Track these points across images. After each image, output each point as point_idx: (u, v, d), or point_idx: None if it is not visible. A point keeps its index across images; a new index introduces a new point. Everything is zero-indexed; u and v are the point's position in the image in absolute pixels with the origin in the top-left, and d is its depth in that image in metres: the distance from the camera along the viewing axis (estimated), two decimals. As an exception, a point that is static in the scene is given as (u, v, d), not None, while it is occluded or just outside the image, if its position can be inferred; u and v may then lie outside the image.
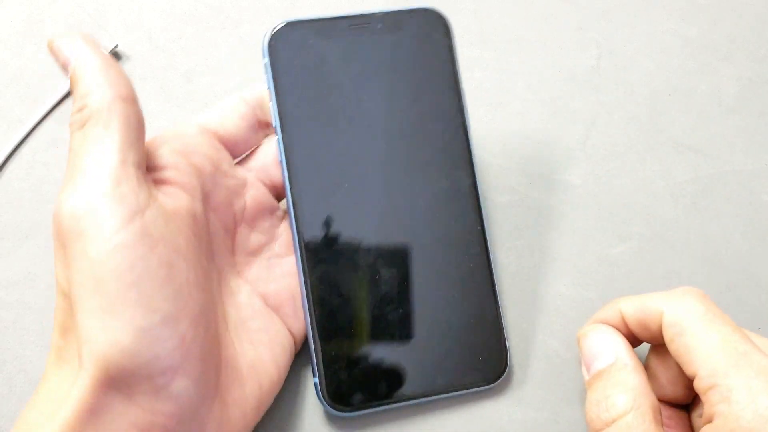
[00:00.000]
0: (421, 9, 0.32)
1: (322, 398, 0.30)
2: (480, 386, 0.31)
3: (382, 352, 0.31)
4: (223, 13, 0.40)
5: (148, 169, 0.28)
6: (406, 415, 0.32)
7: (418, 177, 0.32)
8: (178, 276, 0.25)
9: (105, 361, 0.23)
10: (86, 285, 0.24)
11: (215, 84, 0.38)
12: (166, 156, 0.28)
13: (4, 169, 0.37)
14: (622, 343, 0.28)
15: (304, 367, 0.33)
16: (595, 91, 0.39)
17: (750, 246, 0.36)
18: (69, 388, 0.24)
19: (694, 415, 0.29)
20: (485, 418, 0.32)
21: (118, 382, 0.24)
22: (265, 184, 0.32)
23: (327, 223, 0.31)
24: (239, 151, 0.32)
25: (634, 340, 0.29)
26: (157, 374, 0.24)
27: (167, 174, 0.28)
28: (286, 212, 0.33)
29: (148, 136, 0.33)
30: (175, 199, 0.27)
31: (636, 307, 0.28)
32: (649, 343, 0.29)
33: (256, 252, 0.32)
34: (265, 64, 0.31)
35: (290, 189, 0.31)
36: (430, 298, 0.31)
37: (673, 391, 0.29)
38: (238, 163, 0.32)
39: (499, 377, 0.31)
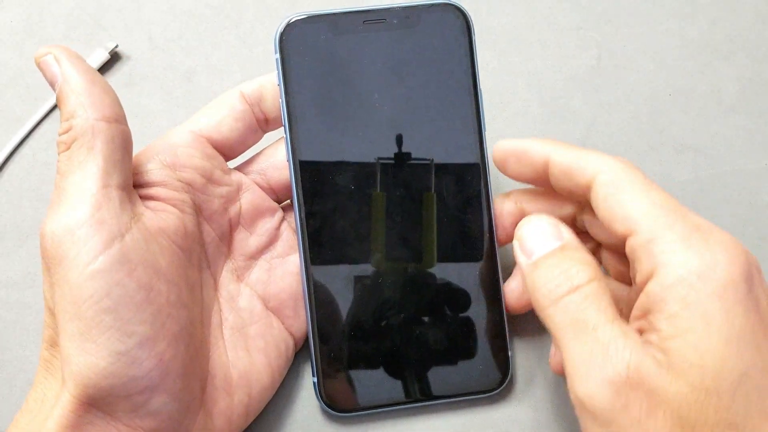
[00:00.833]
0: (440, 4, 0.31)
1: (320, 398, 0.30)
2: (480, 393, 0.31)
3: (382, 355, 0.31)
4: (223, 13, 0.40)
5: (136, 185, 0.28)
6: (404, 418, 0.32)
7: (430, 180, 0.31)
8: (157, 298, 0.26)
9: (83, 382, 0.24)
10: (66, 309, 0.25)
11: (215, 84, 0.38)
12: (155, 172, 0.28)
13: (4, 169, 0.37)
14: (568, 229, 0.28)
15: (304, 366, 0.33)
16: (595, 91, 0.39)
17: (750, 246, 0.36)
18: (53, 403, 0.25)
19: None
20: (484, 424, 0.32)
21: (97, 401, 0.25)
22: (262, 187, 0.32)
23: (332, 225, 0.31)
24: (236, 153, 0.31)
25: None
26: (135, 393, 0.25)
27: (156, 191, 0.28)
28: (288, 212, 0.33)
29: (148, 136, 0.33)
30: (162, 216, 0.28)
31: (569, 158, 0.28)
32: (557, 195, 0.30)
33: (256, 255, 0.32)
34: (276, 60, 0.30)
35: (296, 189, 0.30)
36: (434, 302, 0.31)
37: None
38: (237, 166, 0.32)
39: (500, 385, 0.31)
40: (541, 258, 0.27)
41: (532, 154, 0.30)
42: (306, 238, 0.31)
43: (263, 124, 0.31)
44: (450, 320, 0.31)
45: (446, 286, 0.31)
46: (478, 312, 0.31)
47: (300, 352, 0.32)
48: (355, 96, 0.31)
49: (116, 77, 0.38)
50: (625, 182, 0.27)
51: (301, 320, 0.32)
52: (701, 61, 0.40)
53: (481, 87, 0.31)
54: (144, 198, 0.28)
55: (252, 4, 0.40)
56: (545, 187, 0.31)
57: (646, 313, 0.25)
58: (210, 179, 0.30)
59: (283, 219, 0.32)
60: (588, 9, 0.41)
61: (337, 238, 0.31)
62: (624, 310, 0.30)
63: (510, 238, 0.31)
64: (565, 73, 0.39)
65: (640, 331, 0.26)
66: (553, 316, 0.26)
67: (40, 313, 0.34)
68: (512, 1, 0.41)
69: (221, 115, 0.30)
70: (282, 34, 0.30)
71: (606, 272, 0.32)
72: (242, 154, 0.32)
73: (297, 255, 0.31)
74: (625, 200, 0.26)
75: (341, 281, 0.31)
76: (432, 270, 0.31)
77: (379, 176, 0.31)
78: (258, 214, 0.32)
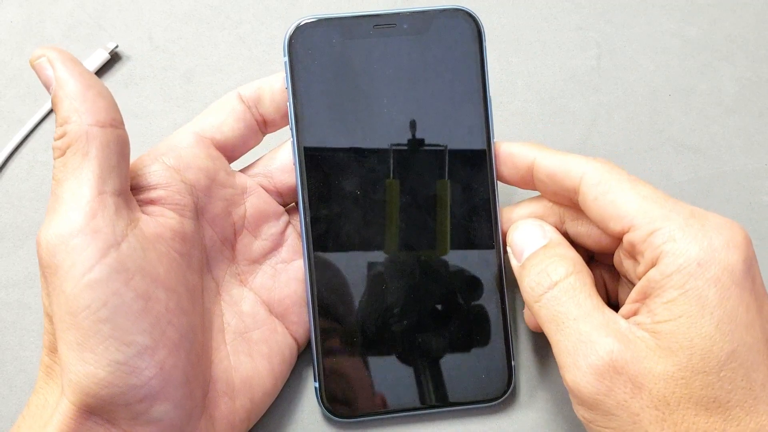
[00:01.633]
0: (450, 9, 0.31)
1: (321, 403, 0.30)
2: (482, 402, 0.31)
3: (385, 362, 0.31)
4: (223, 13, 0.40)
5: (138, 188, 0.28)
6: (405, 425, 0.32)
7: (435, 185, 0.31)
8: (155, 306, 0.25)
9: (82, 391, 0.24)
10: (63, 318, 0.24)
11: (215, 84, 0.38)
12: (157, 174, 0.28)
13: (4, 169, 0.37)
14: (553, 228, 0.30)
15: (306, 370, 0.33)
16: (595, 91, 0.39)
17: (750, 246, 0.36)
18: (54, 409, 0.25)
19: None
20: None
21: (97, 409, 0.25)
22: (268, 190, 0.31)
23: (338, 230, 0.30)
24: (238, 154, 0.31)
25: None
26: (135, 402, 0.25)
27: (157, 193, 0.28)
28: (293, 216, 0.32)
29: (148, 136, 0.33)
30: (160, 221, 0.27)
31: (555, 163, 0.29)
32: (547, 198, 0.31)
33: (260, 259, 0.31)
34: (285, 63, 0.30)
35: (302, 194, 0.30)
36: (438, 310, 0.31)
37: None
38: (241, 168, 0.32)
39: (502, 395, 0.31)
40: (527, 259, 0.29)
41: (517, 159, 0.30)
42: (311, 242, 0.30)
43: (262, 126, 0.31)
44: (453, 329, 0.31)
45: (454, 285, 0.31)
46: (481, 321, 0.31)
47: (302, 357, 0.32)
48: (363, 100, 0.30)
49: (116, 77, 0.38)
50: (612, 181, 0.28)
51: (305, 326, 0.31)
52: (701, 61, 0.40)
53: (491, 93, 0.31)
54: (143, 202, 0.28)
55: (252, 4, 0.40)
56: (532, 189, 0.31)
57: (644, 297, 0.26)
58: (214, 180, 0.30)
59: (288, 223, 0.32)
60: (588, 9, 0.41)
61: (341, 244, 0.31)
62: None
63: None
64: (565, 73, 0.39)
65: (634, 313, 0.27)
66: (539, 312, 0.28)
67: (40, 313, 0.34)
68: (512, 1, 0.41)
69: (222, 116, 0.30)
70: (291, 38, 0.30)
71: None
72: (245, 157, 0.32)
73: (302, 260, 0.31)
74: (616, 198, 0.27)
75: (344, 287, 0.31)
76: (438, 276, 0.31)
77: (385, 182, 0.31)
78: (263, 218, 0.31)
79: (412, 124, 0.31)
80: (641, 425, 0.24)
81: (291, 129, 0.30)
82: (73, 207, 0.25)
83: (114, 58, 0.39)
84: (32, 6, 0.40)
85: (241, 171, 0.32)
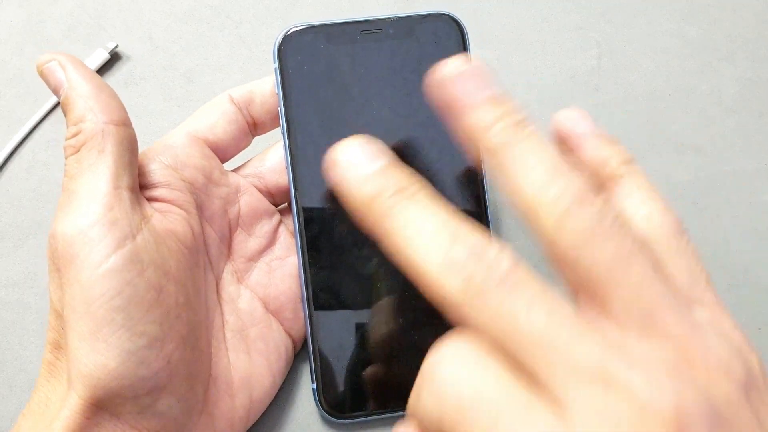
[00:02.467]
0: (435, 14, 0.32)
1: (319, 404, 0.30)
2: None
3: (382, 362, 0.31)
4: (223, 13, 0.40)
5: (141, 186, 0.28)
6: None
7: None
8: (166, 299, 0.26)
9: (92, 383, 0.25)
10: (77, 308, 0.25)
11: (215, 84, 0.38)
12: (157, 173, 0.29)
13: (4, 169, 0.37)
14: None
15: (303, 372, 0.33)
16: (595, 91, 0.39)
17: (750, 246, 0.36)
18: (59, 406, 0.25)
19: None
20: None
21: (105, 402, 0.25)
22: (260, 190, 0.32)
23: (330, 231, 0.31)
24: (230, 155, 0.32)
25: None
26: (143, 394, 0.25)
27: (159, 192, 0.28)
28: (285, 215, 0.33)
29: (148, 136, 0.33)
30: (169, 217, 0.28)
31: None
32: None
33: (255, 257, 0.32)
34: (275, 69, 0.31)
35: (295, 196, 0.31)
36: (433, 308, 0.31)
37: None
38: (232, 169, 0.32)
39: None
40: None
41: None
42: (305, 244, 0.31)
43: (252, 128, 0.32)
44: (451, 328, 0.31)
45: None
46: None
47: (299, 357, 0.32)
48: (352, 104, 0.31)
49: (116, 77, 0.39)
50: None
51: (300, 322, 0.32)
52: (701, 61, 0.40)
53: None
54: (149, 200, 0.28)
55: (252, 4, 0.40)
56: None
57: None
58: (210, 179, 0.30)
59: (280, 222, 0.32)
60: (588, 9, 0.41)
61: (335, 244, 0.31)
62: None
63: None
64: (565, 73, 0.39)
65: None
66: None
67: (40, 313, 0.34)
68: (512, 1, 0.41)
69: (214, 117, 0.31)
70: (281, 45, 0.31)
71: None
72: (236, 158, 0.32)
73: (296, 257, 0.32)
74: None
75: (340, 287, 0.31)
76: None
77: None
78: (256, 217, 0.32)
79: (399, 128, 0.31)
80: None
81: (282, 133, 0.31)
82: (90, 199, 0.25)
83: (114, 58, 0.39)
84: (32, 6, 0.40)
85: (233, 171, 0.32)
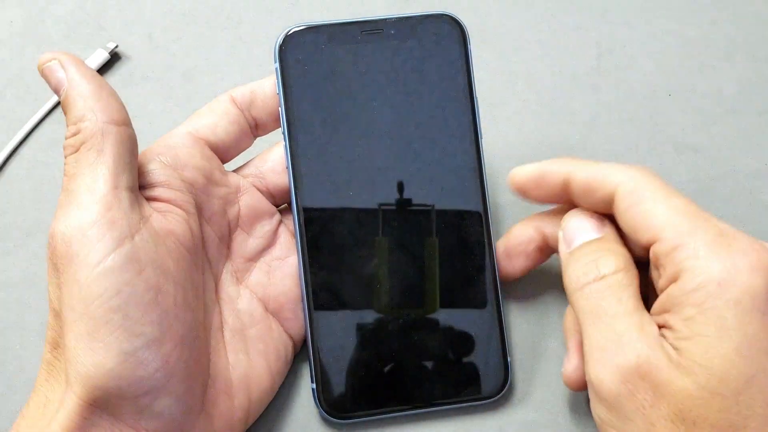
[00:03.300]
0: (436, 14, 0.32)
1: (318, 404, 0.30)
2: (479, 400, 0.31)
3: (382, 361, 0.31)
4: (223, 13, 0.40)
5: (141, 186, 0.28)
6: (404, 425, 0.32)
7: (425, 187, 0.31)
8: (164, 299, 0.26)
9: (90, 383, 0.24)
10: (75, 308, 0.25)
11: (215, 84, 0.38)
12: (157, 172, 0.29)
13: (4, 169, 0.37)
14: (612, 225, 0.29)
15: (303, 372, 0.33)
16: (595, 91, 0.39)
17: (750, 246, 0.36)
18: (57, 406, 0.25)
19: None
20: (482, 430, 0.32)
21: (103, 402, 0.25)
22: (260, 190, 0.32)
23: (331, 231, 0.31)
24: (231, 156, 0.32)
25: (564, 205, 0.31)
26: (141, 394, 0.25)
27: (159, 192, 0.28)
28: (285, 216, 0.33)
29: (148, 136, 0.33)
30: (168, 217, 0.28)
31: (589, 174, 0.29)
32: (584, 209, 0.30)
33: (255, 257, 0.32)
34: (276, 69, 0.31)
35: (295, 196, 0.31)
36: (433, 309, 0.31)
37: None
38: (233, 170, 0.32)
39: (498, 392, 0.31)
40: (577, 248, 0.29)
41: (550, 178, 0.30)
42: (305, 244, 0.31)
43: (254, 129, 0.32)
44: (450, 327, 0.31)
45: (447, 293, 0.31)
46: (476, 319, 0.31)
47: (299, 357, 0.32)
48: (353, 104, 0.31)
49: (116, 77, 0.39)
50: (646, 191, 0.27)
51: (300, 323, 0.32)
52: (701, 61, 0.40)
53: (477, 95, 0.32)
54: (149, 199, 0.28)
55: (252, 4, 0.40)
56: (568, 204, 0.31)
57: (664, 312, 0.26)
58: (210, 179, 0.30)
59: (280, 222, 0.32)
60: (588, 9, 0.41)
61: (335, 244, 0.31)
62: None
63: (526, 268, 0.32)
64: (565, 73, 0.39)
65: (660, 326, 0.26)
66: (578, 301, 0.28)
67: (40, 313, 0.34)
68: (512, 1, 0.41)
69: (216, 118, 0.31)
70: (282, 45, 0.31)
71: None
72: (237, 158, 0.32)
73: (296, 256, 0.31)
74: (647, 209, 0.27)
75: (340, 287, 0.31)
76: (433, 276, 0.31)
77: (377, 184, 0.31)
78: (256, 217, 0.32)
79: (398, 129, 0.31)
80: None
81: (283, 132, 0.31)
82: (89, 200, 0.25)
83: (114, 58, 0.39)
84: (32, 6, 0.40)
85: (233, 171, 0.32)
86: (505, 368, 0.31)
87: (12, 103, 0.38)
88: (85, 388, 0.25)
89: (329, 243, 0.31)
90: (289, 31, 0.31)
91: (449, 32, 0.31)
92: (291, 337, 0.32)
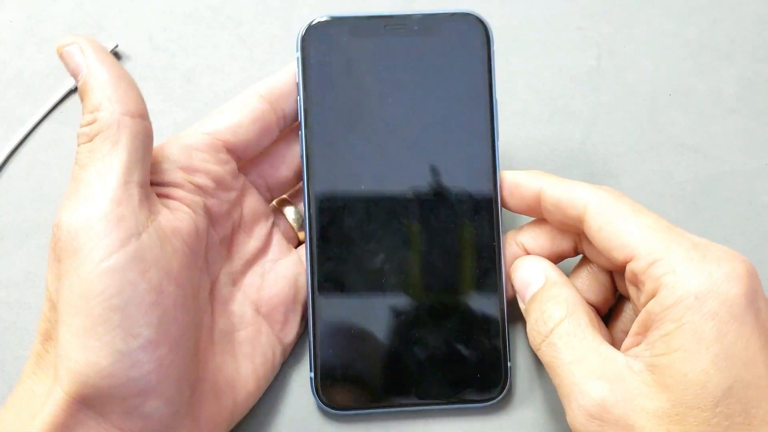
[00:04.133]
0: (461, 13, 0.32)
1: (315, 394, 0.30)
2: (477, 402, 0.31)
3: (382, 356, 0.31)
4: (223, 13, 0.40)
5: (152, 183, 0.28)
6: (400, 421, 0.32)
7: (438, 186, 0.31)
8: (165, 301, 0.25)
9: (81, 380, 0.24)
10: (73, 302, 0.24)
11: (215, 84, 0.38)
12: (170, 173, 0.28)
13: (4, 169, 0.37)
14: (550, 265, 0.30)
15: (302, 361, 0.33)
16: (595, 91, 0.39)
17: (750, 246, 0.36)
18: (43, 400, 0.25)
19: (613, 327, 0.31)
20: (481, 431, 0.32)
21: (91, 400, 0.24)
22: (259, 188, 0.32)
23: (341, 223, 0.31)
24: (250, 155, 0.31)
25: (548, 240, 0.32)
26: (132, 396, 0.25)
27: (170, 191, 0.28)
28: (279, 216, 0.33)
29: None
30: (177, 215, 0.27)
31: (559, 192, 0.29)
32: (554, 226, 0.31)
33: (252, 260, 0.31)
34: (297, 59, 0.31)
35: (308, 185, 0.31)
36: (436, 308, 0.31)
37: (595, 298, 0.31)
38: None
39: (498, 395, 0.31)
40: (527, 303, 0.30)
41: (524, 188, 0.31)
42: (314, 233, 0.31)
43: (281, 120, 0.31)
44: (451, 327, 0.31)
45: (451, 292, 0.31)
46: (478, 321, 0.31)
47: (297, 349, 0.32)
48: (371, 98, 0.31)
49: (116, 77, 0.38)
50: (616, 210, 0.28)
51: (290, 326, 0.31)
52: (701, 61, 0.40)
53: (497, 96, 0.32)
54: (159, 196, 0.28)
55: (252, 4, 0.40)
56: (540, 217, 0.31)
57: (645, 330, 0.26)
58: (221, 185, 0.30)
59: (273, 224, 0.32)
60: (588, 9, 0.41)
61: (344, 235, 0.31)
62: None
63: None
64: (565, 73, 0.39)
65: (637, 344, 0.27)
66: (542, 358, 0.28)
67: (40, 313, 0.34)
68: (512, 1, 0.41)
69: (240, 116, 0.30)
70: (304, 35, 0.31)
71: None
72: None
73: (288, 259, 0.32)
74: (620, 228, 0.27)
75: (346, 278, 0.31)
76: (438, 274, 0.31)
77: (392, 179, 0.31)
78: (256, 219, 0.32)
79: (417, 125, 0.31)
80: None
81: (300, 122, 0.31)
82: (99, 193, 0.25)
83: (125, 70, 0.39)
84: (32, 6, 0.40)
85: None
86: (505, 372, 0.31)
87: (12, 103, 0.38)
88: (75, 385, 0.24)
89: (337, 233, 0.31)
90: (313, 21, 0.31)
91: (473, 32, 0.31)
92: (280, 342, 0.31)
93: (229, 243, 0.31)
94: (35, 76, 0.38)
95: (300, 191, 0.32)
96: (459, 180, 0.31)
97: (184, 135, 0.30)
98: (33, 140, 0.37)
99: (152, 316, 0.25)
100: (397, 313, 0.31)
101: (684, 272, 0.25)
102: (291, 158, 0.32)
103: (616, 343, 0.29)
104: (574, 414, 0.26)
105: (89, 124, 0.26)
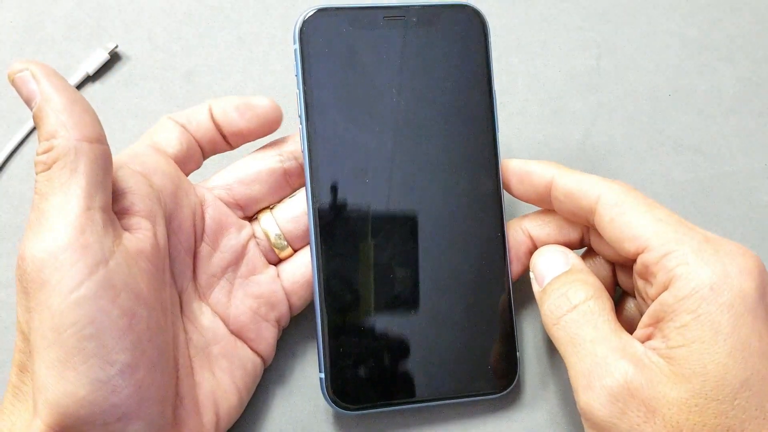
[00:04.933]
0: (458, 5, 0.32)
1: (326, 394, 0.30)
2: (488, 394, 0.31)
3: (391, 353, 0.30)
4: (223, 13, 0.40)
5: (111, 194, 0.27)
6: (411, 417, 0.32)
7: (441, 177, 0.31)
8: (138, 324, 0.25)
9: (60, 411, 0.24)
10: (46, 335, 0.24)
11: (215, 84, 0.38)
12: (125, 179, 0.27)
13: (4, 169, 0.37)
14: (576, 255, 0.30)
15: (311, 362, 0.33)
16: (595, 91, 0.39)
17: (750, 246, 0.36)
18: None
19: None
20: (491, 427, 0.32)
21: (72, 429, 0.24)
22: (227, 203, 0.31)
23: (344, 218, 0.31)
24: (187, 171, 0.31)
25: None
26: (113, 421, 0.24)
27: (129, 200, 0.27)
28: (254, 229, 0.32)
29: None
30: (139, 235, 0.27)
31: (571, 182, 0.30)
32: (565, 217, 0.31)
33: (218, 274, 0.31)
34: (295, 50, 0.31)
35: (310, 180, 0.30)
36: (443, 302, 0.31)
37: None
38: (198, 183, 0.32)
39: (507, 387, 0.31)
40: (548, 284, 0.29)
41: (535, 177, 0.31)
42: (318, 229, 0.30)
43: (207, 150, 0.31)
44: (460, 321, 0.31)
45: (458, 287, 0.31)
46: (486, 313, 0.31)
47: (306, 348, 0.32)
48: (371, 89, 0.31)
49: (116, 77, 0.38)
50: (628, 203, 0.28)
51: (266, 342, 0.31)
52: (701, 61, 0.40)
53: (496, 87, 0.32)
54: (119, 212, 0.27)
55: (252, 4, 0.40)
56: (547, 207, 0.31)
57: (657, 321, 0.26)
58: (179, 187, 0.29)
59: (251, 237, 0.32)
60: (588, 9, 0.41)
61: (349, 231, 0.31)
62: (636, 319, 0.31)
63: (523, 266, 0.32)
64: (565, 73, 0.39)
65: (648, 337, 0.27)
66: (557, 333, 0.28)
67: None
68: (512, 1, 0.41)
69: (167, 133, 0.30)
70: (302, 26, 0.31)
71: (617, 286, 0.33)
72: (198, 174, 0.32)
73: (261, 276, 0.31)
74: (632, 220, 0.27)
75: (351, 277, 0.31)
76: (446, 269, 0.31)
77: (391, 171, 0.31)
78: (222, 230, 0.31)
79: (416, 112, 0.31)
80: None
81: (300, 116, 0.31)
82: (61, 222, 0.24)
83: (114, 58, 0.39)
84: (32, 6, 0.40)
85: (199, 183, 0.32)
86: (515, 364, 0.31)
87: (12, 103, 0.38)
88: (54, 416, 0.24)
89: (342, 230, 0.31)
90: (309, 12, 0.31)
91: (470, 23, 0.32)
92: (258, 354, 0.31)
93: (193, 255, 0.30)
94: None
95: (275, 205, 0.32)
96: (461, 168, 0.31)
97: (130, 148, 0.30)
98: (33, 140, 0.37)
99: (127, 341, 0.24)
100: (405, 307, 0.31)
101: (698, 264, 0.25)
102: (264, 175, 0.32)
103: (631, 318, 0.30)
104: (595, 394, 0.26)
105: (46, 151, 0.25)
